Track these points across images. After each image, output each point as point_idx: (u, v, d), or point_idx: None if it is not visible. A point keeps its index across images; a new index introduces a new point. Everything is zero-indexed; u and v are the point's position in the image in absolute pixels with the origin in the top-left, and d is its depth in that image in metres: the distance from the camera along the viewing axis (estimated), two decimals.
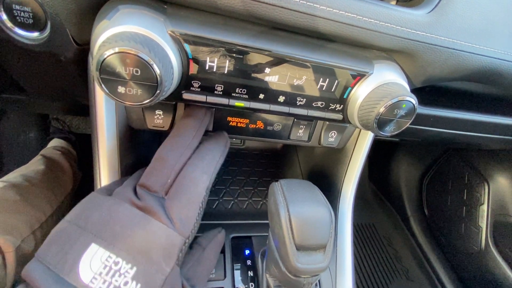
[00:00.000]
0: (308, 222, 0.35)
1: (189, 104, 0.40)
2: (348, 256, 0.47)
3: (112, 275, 0.25)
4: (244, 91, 0.36)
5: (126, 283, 0.25)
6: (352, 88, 0.38)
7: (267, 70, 0.35)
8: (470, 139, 0.72)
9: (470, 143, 0.84)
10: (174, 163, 0.34)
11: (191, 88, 0.34)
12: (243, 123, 0.45)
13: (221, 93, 0.35)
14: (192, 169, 0.34)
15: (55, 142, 1.06)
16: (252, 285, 0.44)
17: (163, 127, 0.42)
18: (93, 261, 0.26)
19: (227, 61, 0.33)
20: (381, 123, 0.37)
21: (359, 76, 0.37)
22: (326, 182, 0.57)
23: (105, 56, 0.25)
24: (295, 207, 0.35)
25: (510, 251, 1.06)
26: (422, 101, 0.59)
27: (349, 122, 0.42)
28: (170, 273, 0.28)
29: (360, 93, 0.38)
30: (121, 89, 0.27)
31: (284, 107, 0.38)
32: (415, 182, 1.44)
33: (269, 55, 0.33)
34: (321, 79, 0.37)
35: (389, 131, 0.38)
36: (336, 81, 0.38)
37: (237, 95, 0.36)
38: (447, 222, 1.26)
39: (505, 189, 1.08)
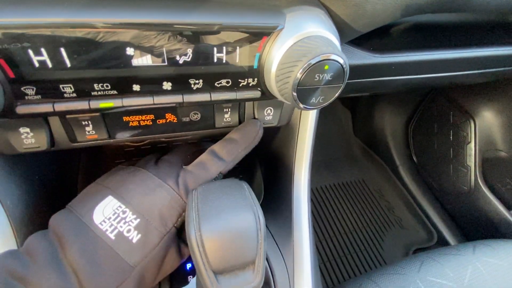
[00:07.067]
0: (227, 240, 0.27)
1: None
2: (307, 250, 0.40)
3: (119, 222, 0.30)
4: (107, 86, 0.26)
5: (129, 231, 0.30)
6: (261, 53, 0.28)
7: (130, 50, 0.25)
8: (446, 79, 0.62)
9: (450, 83, 0.75)
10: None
11: (26, 98, 0.25)
12: (147, 120, 0.36)
13: (74, 95, 0.26)
14: (213, 153, 0.37)
15: None
16: None
17: (39, 146, 0.33)
18: (106, 208, 0.31)
19: (63, 49, 0.23)
20: (302, 94, 0.28)
21: (265, 35, 0.27)
22: (280, 165, 0.49)
23: None
24: (209, 224, 0.28)
25: (501, 186, 1.03)
26: (377, 48, 0.48)
27: (274, 97, 0.33)
28: (167, 233, 0.31)
29: (273, 57, 0.28)
30: None
31: (175, 95, 0.29)
32: (401, 130, 1.38)
33: (115, 27, 0.23)
34: (215, 48, 0.27)
35: (316, 103, 0.29)
36: (237, 47, 0.27)
37: (98, 93, 0.26)
38: (436, 165, 1.22)
39: (492, 124, 1.01)
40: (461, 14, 0.62)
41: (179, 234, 0.34)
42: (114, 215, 0.30)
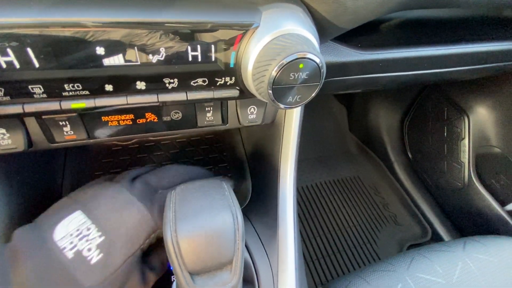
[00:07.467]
0: (204, 241, 0.27)
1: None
2: (291, 248, 0.40)
3: (80, 239, 0.27)
4: (79, 86, 0.26)
5: (89, 249, 0.27)
6: (237, 51, 0.28)
7: (100, 50, 0.24)
8: (435, 76, 0.62)
9: (439, 80, 0.74)
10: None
11: None
12: (127, 119, 0.35)
13: (44, 95, 0.25)
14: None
15: None
16: None
17: (16, 147, 0.32)
18: (71, 224, 0.28)
19: (29, 49, 0.23)
20: (278, 93, 0.27)
21: (240, 34, 0.27)
22: (267, 164, 0.49)
23: None
24: (186, 224, 0.27)
25: (494, 182, 1.03)
26: (365, 44, 0.48)
27: (253, 95, 0.32)
28: (131, 256, 0.29)
29: (249, 56, 0.28)
30: None
31: (149, 95, 0.28)
32: (396, 126, 1.37)
33: (84, 26, 0.22)
34: (189, 47, 0.26)
35: (293, 102, 0.28)
36: (212, 45, 0.27)
37: (70, 93, 0.26)
38: (430, 162, 1.22)
39: (485, 120, 1.01)
40: (452, 9, 0.61)
41: (145, 258, 0.32)
42: (77, 231, 0.28)
